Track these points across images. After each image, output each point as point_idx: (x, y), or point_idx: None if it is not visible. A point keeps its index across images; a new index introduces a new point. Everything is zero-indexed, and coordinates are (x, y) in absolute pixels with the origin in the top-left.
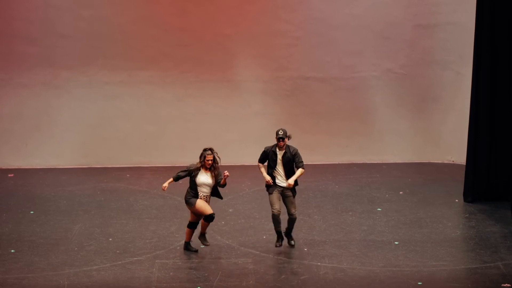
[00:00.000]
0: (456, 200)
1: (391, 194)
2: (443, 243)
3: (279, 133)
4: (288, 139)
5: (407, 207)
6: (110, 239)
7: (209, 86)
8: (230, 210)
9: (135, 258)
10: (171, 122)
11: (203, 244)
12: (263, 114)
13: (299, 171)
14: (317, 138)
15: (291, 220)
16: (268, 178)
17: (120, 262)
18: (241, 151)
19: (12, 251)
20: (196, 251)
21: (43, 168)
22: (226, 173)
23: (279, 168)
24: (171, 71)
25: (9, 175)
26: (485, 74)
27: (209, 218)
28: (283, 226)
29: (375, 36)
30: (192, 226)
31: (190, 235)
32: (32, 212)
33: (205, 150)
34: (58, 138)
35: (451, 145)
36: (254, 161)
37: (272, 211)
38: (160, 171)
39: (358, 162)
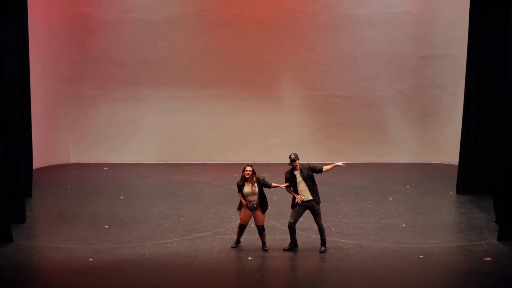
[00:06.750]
0: (450, 193)
1: (399, 187)
2: (440, 226)
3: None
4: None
5: (412, 198)
6: (182, 219)
7: (258, 102)
8: (275, 198)
9: (200, 234)
10: (228, 130)
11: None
12: (301, 123)
13: (329, 166)
14: (342, 143)
15: (319, 228)
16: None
17: (188, 237)
18: (283, 152)
19: (106, 227)
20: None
21: (129, 163)
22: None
23: (302, 185)
24: (229, 89)
25: (105, 168)
26: (474, 94)
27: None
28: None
29: (388, 64)
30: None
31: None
32: (121, 197)
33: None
34: (141, 140)
35: (447, 149)
36: None
37: (289, 221)
38: (220, 167)
39: (374, 162)
